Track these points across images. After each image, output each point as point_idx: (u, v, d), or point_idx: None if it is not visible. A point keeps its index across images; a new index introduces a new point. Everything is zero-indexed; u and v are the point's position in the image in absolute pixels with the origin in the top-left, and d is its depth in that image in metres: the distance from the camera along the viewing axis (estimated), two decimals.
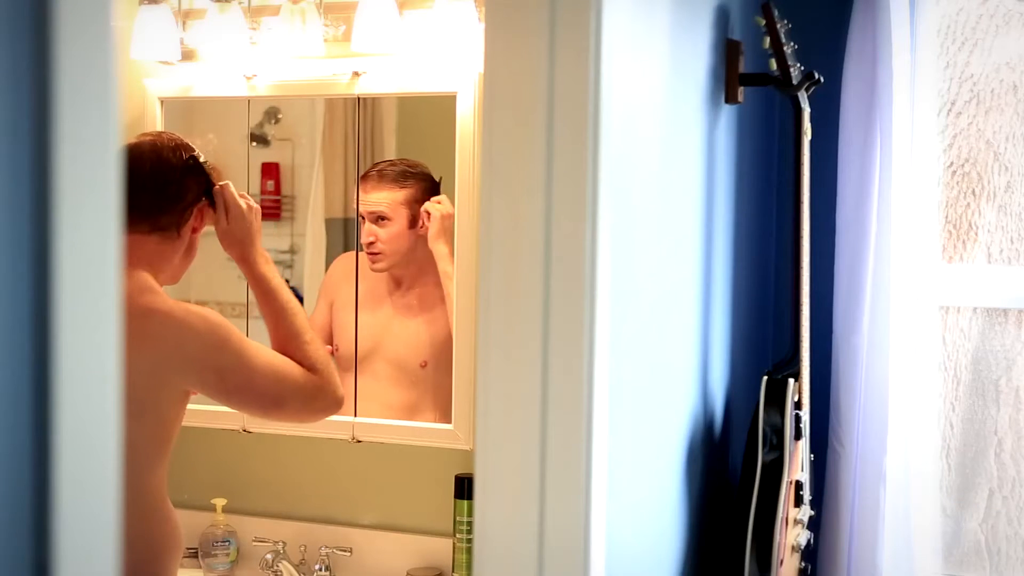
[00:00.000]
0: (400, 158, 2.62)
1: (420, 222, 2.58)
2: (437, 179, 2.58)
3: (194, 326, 1.92)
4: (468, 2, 2.40)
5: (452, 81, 2.47)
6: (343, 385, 2.63)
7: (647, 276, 1.97)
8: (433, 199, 2.56)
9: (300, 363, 1.98)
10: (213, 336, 1.92)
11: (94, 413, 0.77)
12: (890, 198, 2.50)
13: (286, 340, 2.01)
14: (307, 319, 2.07)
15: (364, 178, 2.59)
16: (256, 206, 2.10)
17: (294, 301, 2.06)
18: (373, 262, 2.61)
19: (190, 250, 2.06)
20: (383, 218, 2.58)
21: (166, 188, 1.99)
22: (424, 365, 2.60)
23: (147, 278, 1.93)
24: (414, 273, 2.62)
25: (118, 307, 0.79)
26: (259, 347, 1.99)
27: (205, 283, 2.78)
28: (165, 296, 1.97)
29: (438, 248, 2.55)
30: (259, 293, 2.06)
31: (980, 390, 2.71)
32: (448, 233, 2.54)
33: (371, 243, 2.59)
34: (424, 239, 2.57)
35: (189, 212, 2.02)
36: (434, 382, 2.58)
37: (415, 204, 2.58)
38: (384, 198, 2.57)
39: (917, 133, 2.54)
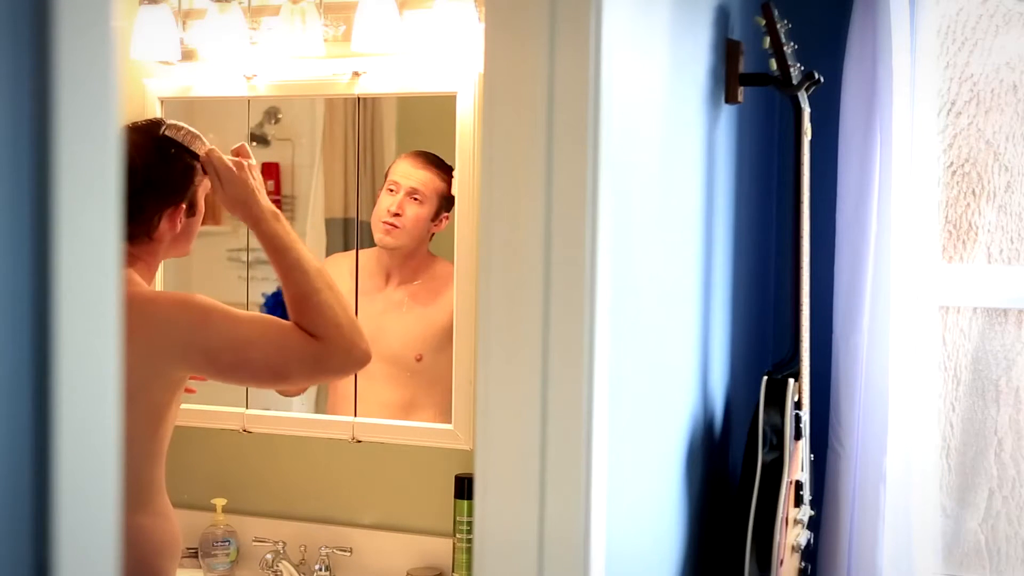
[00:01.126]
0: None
1: (439, 219, 2.58)
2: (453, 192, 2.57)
3: (173, 309, 1.86)
4: (468, 2, 2.40)
5: (452, 81, 2.47)
6: (343, 385, 2.65)
7: (647, 276, 1.97)
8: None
9: (306, 325, 1.87)
10: (194, 316, 1.85)
11: (94, 413, 0.77)
12: (890, 198, 2.50)
13: (296, 300, 1.90)
14: (323, 274, 1.95)
15: (414, 154, 2.59)
16: (252, 162, 1.99)
17: (307, 257, 1.94)
18: (387, 232, 2.58)
19: (179, 240, 1.97)
20: (416, 197, 2.57)
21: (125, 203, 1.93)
22: (420, 359, 2.60)
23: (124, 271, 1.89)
24: (409, 269, 2.62)
25: (118, 307, 0.79)
26: (252, 319, 1.92)
27: (205, 284, 2.78)
28: (143, 284, 1.92)
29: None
30: (269, 252, 1.96)
31: (980, 390, 2.71)
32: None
33: (397, 215, 2.57)
34: (430, 237, 2.58)
35: (158, 219, 1.93)
36: (430, 376, 2.57)
37: (443, 199, 2.58)
38: (427, 178, 2.57)
39: (917, 133, 2.54)
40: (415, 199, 2.57)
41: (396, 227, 2.57)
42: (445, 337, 2.53)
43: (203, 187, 1.99)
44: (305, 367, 1.89)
